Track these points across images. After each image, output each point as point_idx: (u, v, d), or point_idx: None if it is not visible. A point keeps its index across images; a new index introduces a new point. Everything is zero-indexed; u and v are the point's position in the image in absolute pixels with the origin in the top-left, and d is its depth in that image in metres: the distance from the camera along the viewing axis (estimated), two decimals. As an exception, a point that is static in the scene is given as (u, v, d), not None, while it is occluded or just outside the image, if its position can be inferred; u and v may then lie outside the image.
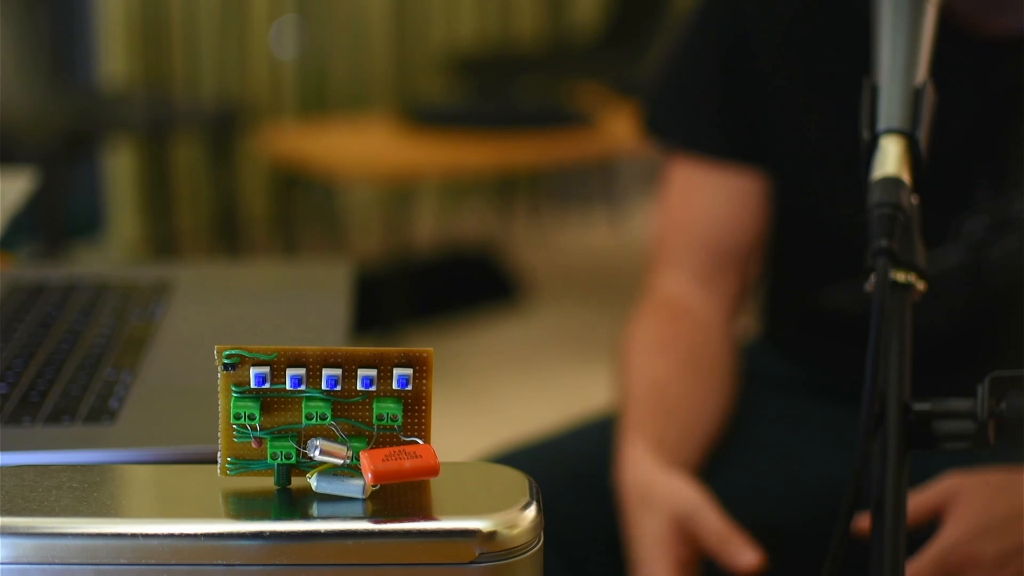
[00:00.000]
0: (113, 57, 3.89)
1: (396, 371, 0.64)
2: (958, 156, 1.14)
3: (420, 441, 0.65)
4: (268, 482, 0.65)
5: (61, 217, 3.34)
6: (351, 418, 0.64)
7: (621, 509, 1.10)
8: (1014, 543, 0.99)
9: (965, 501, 1.01)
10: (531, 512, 0.62)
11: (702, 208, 1.26)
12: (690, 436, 1.16)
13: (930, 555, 0.99)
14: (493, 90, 4.23)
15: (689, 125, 1.28)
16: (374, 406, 0.64)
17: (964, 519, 1.00)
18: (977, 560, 0.98)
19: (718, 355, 1.23)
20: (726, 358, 1.23)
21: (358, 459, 0.63)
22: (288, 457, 0.64)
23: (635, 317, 1.26)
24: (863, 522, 0.85)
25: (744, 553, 1.03)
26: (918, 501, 1.01)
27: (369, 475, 0.62)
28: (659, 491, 1.07)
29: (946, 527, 1.00)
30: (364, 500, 0.63)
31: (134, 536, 0.61)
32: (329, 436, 0.64)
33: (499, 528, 0.61)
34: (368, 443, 0.64)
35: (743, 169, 1.25)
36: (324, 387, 0.64)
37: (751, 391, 1.26)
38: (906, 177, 0.76)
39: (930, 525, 1.02)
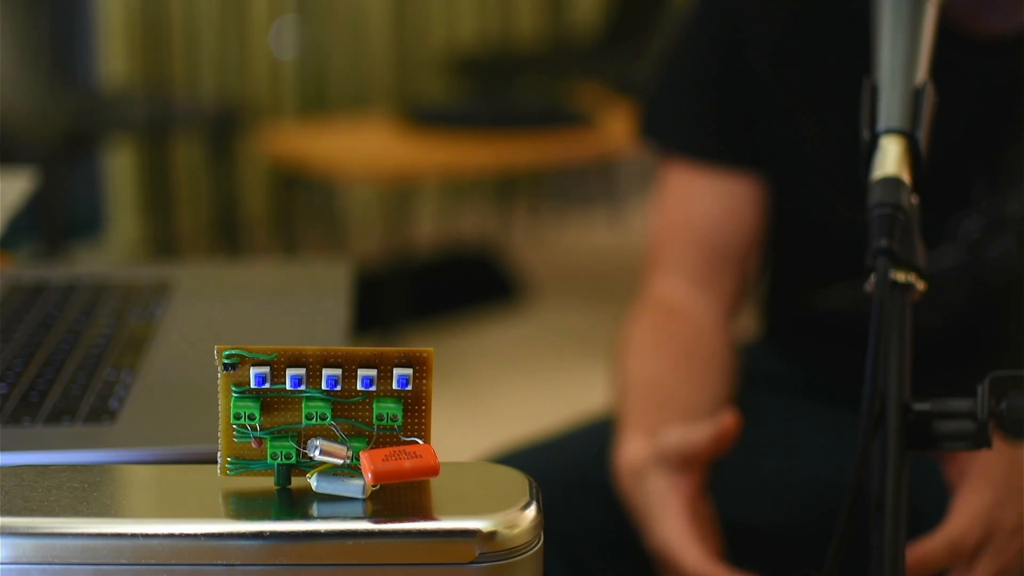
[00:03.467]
0: (113, 57, 3.89)
1: (396, 371, 0.64)
2: (953, 156, 1.14)
3: (420, 441, 0.65)
4: (268, 482, 0.65)
5: (61, 217, 3.33)
6: (351, 418, 0.64)
7: (623, 500, 1.10)
8: None
9: (977, 474, 1.00)
10: (531, 512, 0.62)
11: (697, 211, 1.26)
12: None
13: (947, 534, 0.97)
14: (493, 90, 4.24)
15: (684, 130, 1.28)
16: (374, 406, 0.64)
17: (977, 492, 0.98)
18: (994, 531, 0.97)
19: (712, 351, 1.23)
20: (720, 354, 1.23)
21: (358, 459, 0.63)
22: (288, 457, 0.64)
23: (630, 319, 1.26)
24: None
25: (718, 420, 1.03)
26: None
27: (369, 475, 0.62)
28: (650, 459, 1.07)
29: (959, 502, 0.99)
30: (364, 500, 0.63)
31: (134, 536, 0.61)
32: (329, 436, 0.64)
33: (499, 528, 0.61)
34: (368, 443, 0.64)
35: (738, 172, 1.25)
36: (324, 387, 0.63)
37: (751, 392, 1.26)
38: (906, 177, 0.76)
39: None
